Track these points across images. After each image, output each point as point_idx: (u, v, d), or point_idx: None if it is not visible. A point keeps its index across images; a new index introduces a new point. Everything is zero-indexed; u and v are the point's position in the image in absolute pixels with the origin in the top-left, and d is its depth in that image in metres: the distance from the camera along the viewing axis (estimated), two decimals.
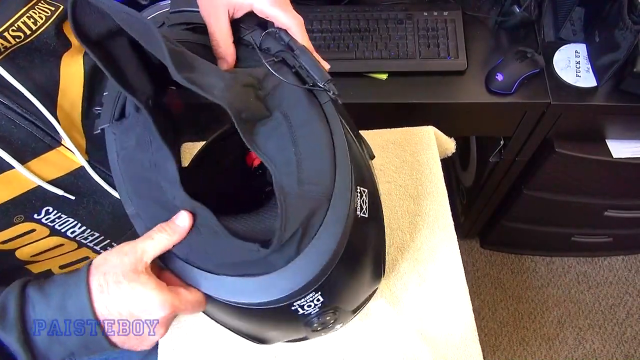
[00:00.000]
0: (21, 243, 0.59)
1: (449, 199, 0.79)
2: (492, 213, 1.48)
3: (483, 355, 0.68)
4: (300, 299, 0.45)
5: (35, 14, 0.54)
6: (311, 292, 0.45)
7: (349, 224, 0.45)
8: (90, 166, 0.58)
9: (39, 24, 0.54)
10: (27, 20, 0.53)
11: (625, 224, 1.38)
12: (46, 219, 0.58)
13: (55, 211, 0.58)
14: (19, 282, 0.43)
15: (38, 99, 0.53)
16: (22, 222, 0.57)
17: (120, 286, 0.41)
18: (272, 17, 0.51)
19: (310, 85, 0.49)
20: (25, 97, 0.52)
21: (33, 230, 0.58)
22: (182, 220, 0.43)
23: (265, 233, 0.43)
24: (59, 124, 0.54)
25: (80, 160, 0.57)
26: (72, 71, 0.59)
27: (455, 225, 0.77)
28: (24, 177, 0.53)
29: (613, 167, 1.09)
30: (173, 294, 0.43)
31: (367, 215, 0.49)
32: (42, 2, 0.55)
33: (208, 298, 0.45)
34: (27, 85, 0.52)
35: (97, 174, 0.59)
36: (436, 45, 0.96)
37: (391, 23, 0.98)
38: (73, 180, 0.58)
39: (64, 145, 0.56)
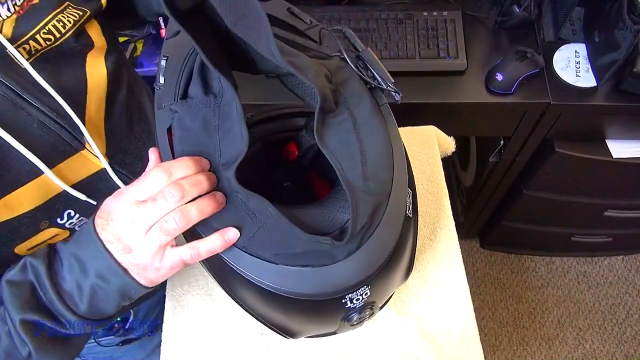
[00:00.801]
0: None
1: (449, 199, 0.79)
2: (492, 213, 1.48)
3: (483, 355, 0.68)
4: (353, 292, 0.46)
5: (64, 17, 0.54)
6: (363, 286, 0.46)
7: (403, 222, 0.47)
8: (112, 169, 0.58)
9: (67, 28, 0.55)
10: (56, 24, 0.54)
11: (625, 224, 1.38)
12: (69, 223, 0.58)
13: (77, 214, 0.58)
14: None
15: (67, 102, 0.53)
16: (47, 227, 0.57)
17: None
18: None
19: (377, 85, 0.50)
20: (55, 100, 0.52)
21: (56, 235, 0.58)
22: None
23: (327, 225, 0.45)
24: (85, 127, 0.55)
25: (103, 163, 0.57)
26: (97, 72, 0.59)
27: (455, 225, 0.77)
28: (53, 182, 0.53)
29: (613, 167, 1.09)
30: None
31: (411, 215, 0.51)
32: (70, 6, 0.55)
33: (251, 285, 0.46)
34: (56, 88, 0.52)
35: (118, 176, 0.59)
36: (436, 45, 0.96)
37: (391, 23, 0.98)
38: (94, 183, 0.58)
39: (87, 149, 0.56)
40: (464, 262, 0.74)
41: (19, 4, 0.51)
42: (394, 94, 0.50)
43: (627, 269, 1.67)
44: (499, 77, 0.93)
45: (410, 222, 0.51)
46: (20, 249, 0.55)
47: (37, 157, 0.50)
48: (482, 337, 0.71)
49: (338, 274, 0.44)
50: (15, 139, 0.48)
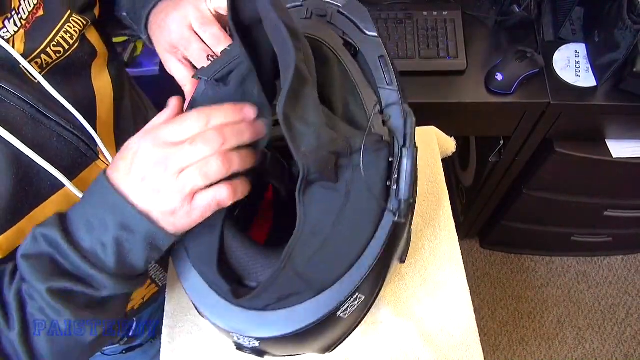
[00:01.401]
0: None
1: (449, 199, 0.79)
2: (492, 213, 1.48)
3: (483, 355, 0.68)
4: (242, 337, 0.45)
5: (71, 27, 0.54)
6: (252, 339, 0.44)
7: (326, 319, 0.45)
8: None
9: (74, 38, 0.55)
10: (64, 35, 0.54)
11: (625, 223, 1.39)
12: None
13: None
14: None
15: (80, 113, 0.53)
16: None
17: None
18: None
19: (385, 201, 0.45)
20: (70, 112, 0.52)
21: None
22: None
23: (249, 273, 0.45)
24: (99, 137, 0.55)
25: None
26: (103, 81, 0.59)
27: (455, 225, 0.77)
28: (74, 194, 0.52)
29: (613, 167, 1.09)
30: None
31: (345, 317, 0.48)
32: (73, 15, 0.55)
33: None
34: (70, 100, 0.52)
35: None
36: (436, 45, 0.96)
37: (391, 23, 0.98)
38: None
39: (100, 159, 0.56)
40: (464, 262, 0.74)
41: (24, 17, 0.50)
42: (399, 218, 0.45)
43: (626, 269, 1.67)
44: (499, 77, 0.93)
45: (340, 321, 0.48)
46: None
47: (59, 170, 0.50)
48: (482, 337, 0.71)
49: (234, 314, 0.43)
50: (37, 154, 0.48)
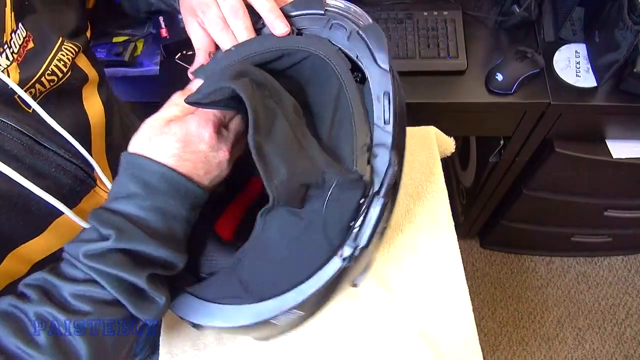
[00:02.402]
0: None
1: (449, 199, 0.79)
2: (492, 213, 1.48)
3: (483, 355, 0.68)
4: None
5: (64, 55, 0.54)
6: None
7: None
8: None
9: (68, 66, 0.54)
10: (58, 63, 0.53)
11: (625, 224, 1.38)
12: None
13: None
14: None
15: (77, 140, 0.52)
16: None
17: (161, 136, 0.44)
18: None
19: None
20: (67, 139, 0.52)
21: None
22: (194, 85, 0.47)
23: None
24: (96, 163, 0.55)
25: None
26: (94, 106, 0.59)
27: (455, 225, 0.77)
28: (74, 222, 0.52)
29: (613, 167, 1.09)
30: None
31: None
32: (65, 42, 0.55)
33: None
34: (65, 127, 0.52)
35: None
36: (436, 45, 0.96)
37: (391, 23, 0.98)
38: None
39: (99, 186, 0.56)
40: (463, 262, 0.74)
41: (16, 51, 0.50)
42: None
43: (626, 269, 1.67)
44: (499, 77, 0.93)
45: (276, 326, 0.49)
46: None
47: (59, 199, 0.49)
48: (482, 337, 0.71)
49: (185, 300, 0.47)
50: (37, 184, 0.48)
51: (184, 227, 0.45)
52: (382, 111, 0.47)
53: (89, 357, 0.40)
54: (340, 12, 0.50)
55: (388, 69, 0.48)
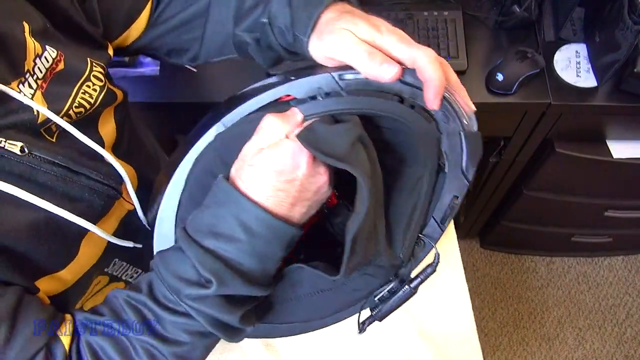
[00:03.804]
0: (90, 296, 0.59)
1: None
2: (492, 213, 1.48)
3: (483, 355, 0.68)
4: None
5: (89, 87, 0.53)
6: None
7: None
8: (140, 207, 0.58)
9: (94, 97, 0.53)
10: (84, 96, 0.52)
11: (625, 224, 1.38)
12: (114, 270, 0.59)
13: (122, 261, 0.60)
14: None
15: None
16: (97, 276, 0.57)
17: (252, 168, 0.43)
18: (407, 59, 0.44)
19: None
20: (100, 162, 0.52)
21: (99, 282, 0.59)
22: (295, 112, 0.44)
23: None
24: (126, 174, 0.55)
25: (135, 204, 0.57)
26: (107, 127, 0.58)
27: (455, 225, 0.77)
28: (97, 236, 0.53)
29: (613, 167, 1.09)
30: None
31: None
32: (93, 77, 0.54)
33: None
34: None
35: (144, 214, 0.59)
36: (436, 45, 0.96)
37: (392, 23, 0.98)
38: (123, 227, 0.58)
39: (124, 198, 0.56)
40: (463, 262, 0.74)
41: (41, 77, 0.48)
42: None
43: (627, 270, 1.67)
44: (500, 77, 0.93)
45: None
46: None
47: (90, 221, 0.50)
48: (482, 337, 0.71)
49: None
50: (72, 211, 0.47)
51: (277, 265, 0.46)
52: (444, 213, 0.50)
53: None
54: (454, 107, 0.47)
55: (468, 181, 0.48)
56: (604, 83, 0.94)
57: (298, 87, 0.44)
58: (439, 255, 0.49)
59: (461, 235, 1.67)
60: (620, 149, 1.06)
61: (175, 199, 0.47)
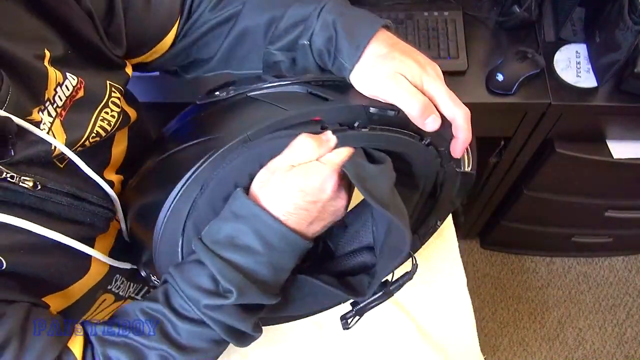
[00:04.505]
0: (95, 314, 0.60)
1: None
2: (492, 213, 1.48)
3: (483, 355, 0.68)
4: None
5: (107, 113, 0.53)
6: None
7: None
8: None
9: (112, 124, 0.54)
10: (102, 123, 0.52)
11: (626, 224, 1.38)
12: (116, 287, 0.60)
13: (122, 278, 0.61)
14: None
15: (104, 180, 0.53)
16: (101, 294, 0.58)
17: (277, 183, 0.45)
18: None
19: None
20: (102, 188, 0.53)
21: (105, 301, 0.60)
22: (330, 138, 0.46)
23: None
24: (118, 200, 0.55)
25: (122, 226, 0.58)
26: (120, 145, 0.59)
27: (455, 225, 0.77)
28: (103, 261, 0.54)
29: (613, 167, 1.09)
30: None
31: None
32: (111, 103, 0.54)
33: None
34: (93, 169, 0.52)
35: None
36: (437, 45, 0.96)
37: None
38: (117, 244, 0.59)
39: (116, 219, 0.57)
40: (463, 262, 0.74)
41: (60, 105, 0.48)
42: None
43: (627, 270, 1.67)
44: (500, 77, 0.93)
45: None
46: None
47: (89, 245, 0.51)
48: (482, 337, 0.71)
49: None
50: (71, 237, 0.48)
51: (288, 274, 0.48)
52: (426, 233, 0.60)
53: None
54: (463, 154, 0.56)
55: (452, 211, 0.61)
56: (604, 83, 0.93)
57: (328, 113, 0.47)
58: (416, 265, 0.54)
59: (461, 235, 1.67)
60: (621, 149, 1.06)
61: (188, 202, 0.47)
